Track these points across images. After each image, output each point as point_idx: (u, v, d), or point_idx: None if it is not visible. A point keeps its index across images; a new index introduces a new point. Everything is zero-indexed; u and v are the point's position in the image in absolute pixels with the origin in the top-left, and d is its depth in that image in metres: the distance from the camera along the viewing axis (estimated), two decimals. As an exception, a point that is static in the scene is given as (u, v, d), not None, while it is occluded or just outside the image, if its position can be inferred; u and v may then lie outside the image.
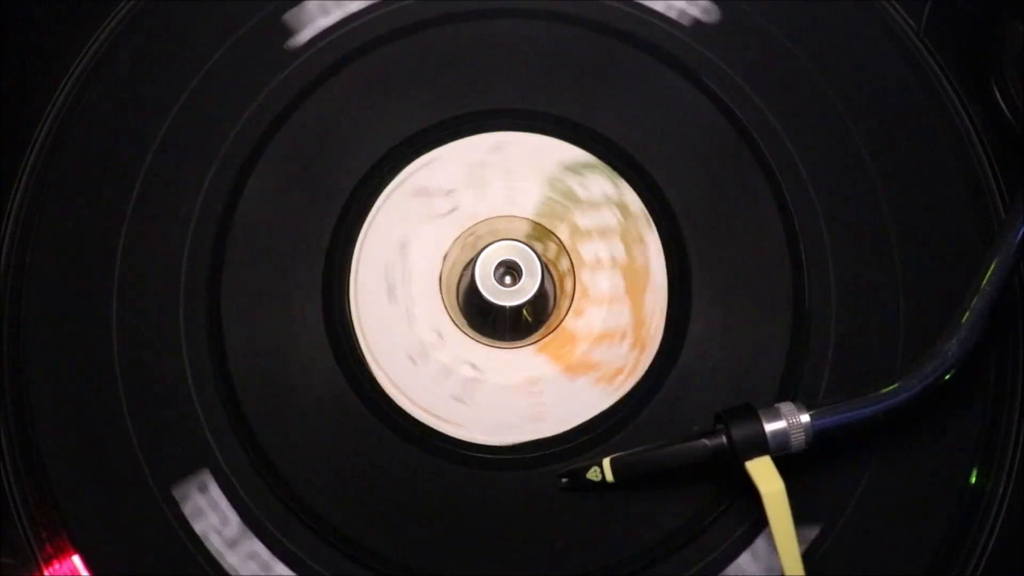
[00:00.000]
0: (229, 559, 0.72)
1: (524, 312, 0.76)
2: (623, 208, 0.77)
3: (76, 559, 0.72)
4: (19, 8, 0.80)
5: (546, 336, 0.76)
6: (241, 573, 0.72)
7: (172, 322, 0.75)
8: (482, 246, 0.75)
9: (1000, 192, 0.78)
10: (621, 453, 0.71)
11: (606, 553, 0.72)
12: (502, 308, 0.75)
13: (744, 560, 0.72)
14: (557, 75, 0.79)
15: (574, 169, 0.77)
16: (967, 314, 0.71)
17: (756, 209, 0.77)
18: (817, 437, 0.70)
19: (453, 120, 0.78)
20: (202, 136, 0.78)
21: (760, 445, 0.69)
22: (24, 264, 0.76)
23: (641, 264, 0.77)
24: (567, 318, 0.76)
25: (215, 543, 0.72)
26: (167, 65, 0.79)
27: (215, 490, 0.73)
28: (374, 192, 0.77)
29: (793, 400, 0.71)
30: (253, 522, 0.73)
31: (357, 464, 0.73)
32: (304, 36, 0.79)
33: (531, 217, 0.78)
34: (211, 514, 0.73)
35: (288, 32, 0.79)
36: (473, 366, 0.76)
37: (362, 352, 0.75)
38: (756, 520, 0.72)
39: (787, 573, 0.68)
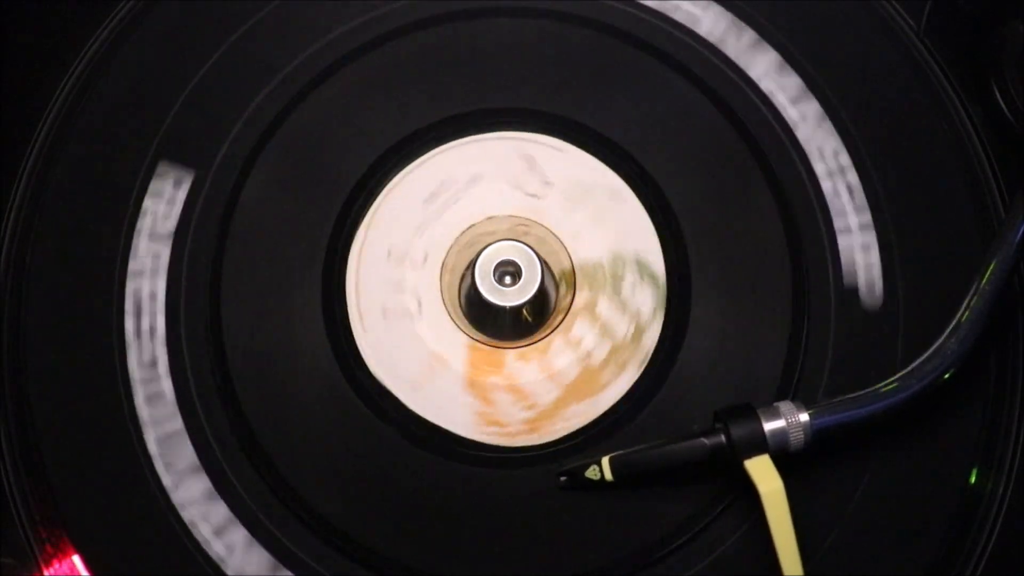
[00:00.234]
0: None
1: (524, 312, 0.76)
2: (638, 333, 0.76)
3: (76, 559, 0.72)
4: (19, 8, 0.80)
5: (533, 342, 0.76)
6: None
7: (173, 322, 0.75)
8: (482, 246, 0.75)
9: (1000, 192, 0.78)
10: (620, 452, 0.71)
11: (605, 552, 0.72)
12: (502, 308, 0.75)
13: (742, 560, 0.72)
14: (557, 75, 0.79)
15: (642, 269, 0.76)
16: (967, 314, 0.71)
17: (756, 209, 0.77)
18: (816, 436, 0.70)
19: (453, 120, 0.78)
20: (202, 136, 0.78)
21: (759, 444, 0.69)
22: (24, 264, 0.76)
23: (601, 380, 0.75)
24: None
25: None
26: (167, 65, 0.79)
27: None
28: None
29: (792, 399, 0.71)
30: (253, 521, 0.73)
31: (357, 463, 0.73)
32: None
33: (576, 264, 0.77)
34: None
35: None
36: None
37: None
38: (755, 519, 0.71)
39: (786, 573, 0.68)
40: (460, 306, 0.77)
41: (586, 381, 0.75)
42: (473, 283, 0.75)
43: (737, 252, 0.76)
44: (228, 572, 0.72)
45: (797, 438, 0.69)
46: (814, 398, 0.73)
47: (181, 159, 0.77)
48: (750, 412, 0.70)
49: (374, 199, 0.77)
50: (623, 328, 0.76)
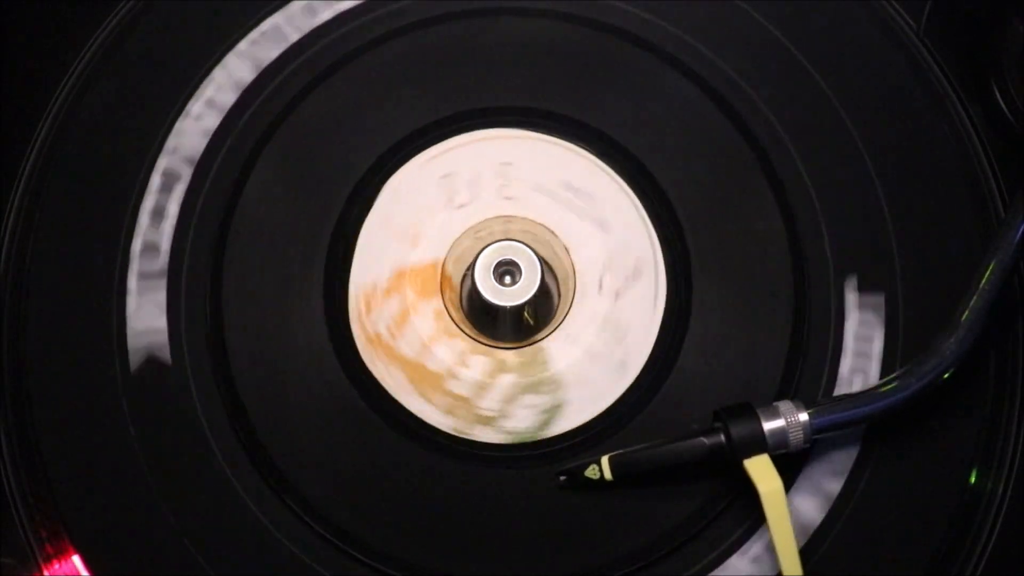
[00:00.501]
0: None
1: (525, 312, 0.76)
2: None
3: (76, 559, 0.72)
4: (19, 8, 0.80)
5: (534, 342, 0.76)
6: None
7: (173, 322, 0.75)
8: (482, 246, 0.75)
9: (1000, 192, 0.78)
10: (620, 451, 0.71)
11: (605, 551, 0.72)
12: (502, 308, 0.75)
13: (742, 559, 0.72)
14: (557, 74, 0.79)
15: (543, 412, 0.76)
16: (966, 314, 0.71)
17: (757, 208, 0.77)
18: (816, 436, 0.70)
19: (452, 119, 0.78)
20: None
21: (758, 443, 0.69)
22: (24, 264, 0.76)
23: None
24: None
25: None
26: (167, 65, 0.79)
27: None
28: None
29: (792, 399, 0.71)
30: (254, 521, 0.73)
31: (358, 463, 0.73)
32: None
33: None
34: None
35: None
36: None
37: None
38: (755, 519, 0.71)
39: (785, 572, 0.68)
40: (461, 306, 0.77)
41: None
42: (473, 283, 0.75)
43: (737, 252, 0.76)
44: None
45: (796, 438, 0.69)
46: (814, 398, 0.73)
47: (182, 159, 0.78)
48: (749, 411, 0.70)
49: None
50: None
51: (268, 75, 0.79)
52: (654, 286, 0.76)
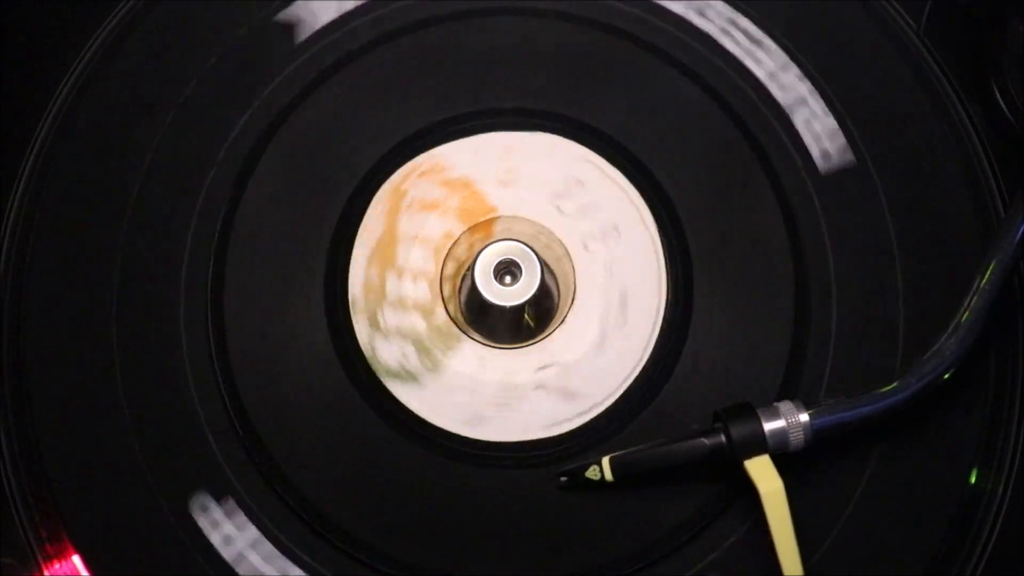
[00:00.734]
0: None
1: (525, 312, 0.76)
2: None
3: (76, 559, 0.72)
4: (19, 8, 0.80)
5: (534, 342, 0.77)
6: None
7: (173, 322, 0.75)
8: (482, 246, 0.75)
9: (1000, 192, 0.78)
10: (620, 452, 0.71)
11: (605, 552, 0.72)
12: (502, 308, 0.75)
13: (742, 559, 0.72)
14: (558, 74, 0.79)
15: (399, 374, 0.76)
16: (967, 314, 0.71)
17: (757, 208, 0.77)
18: (816, 436, 0.70)
19: (453, 120, 0.78)
20: (202, 136, 0.78)
21: (759, 444, 0.69)
22: (24, 264, 0.76)
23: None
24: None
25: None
26: (167, 65, 0.79)
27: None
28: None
29: (792, 399, 0.71)
30: (254, 521, 0.73)
31: (358, 463, 0.73)
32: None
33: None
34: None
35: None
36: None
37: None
38: (755, 519, 0.71)
39: (786, 573, 0.68)
40: (460, 306, 0.77)
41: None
42: (473, 283, 0.75)
43: (738, 252, 0.76)
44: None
45: (797, 438, 0.69)
46: (814, 398, 0.73)
47: (181, 160, 0.78)
48: (750, 412, 0.70)
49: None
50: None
51: (268, 75, 0.79)
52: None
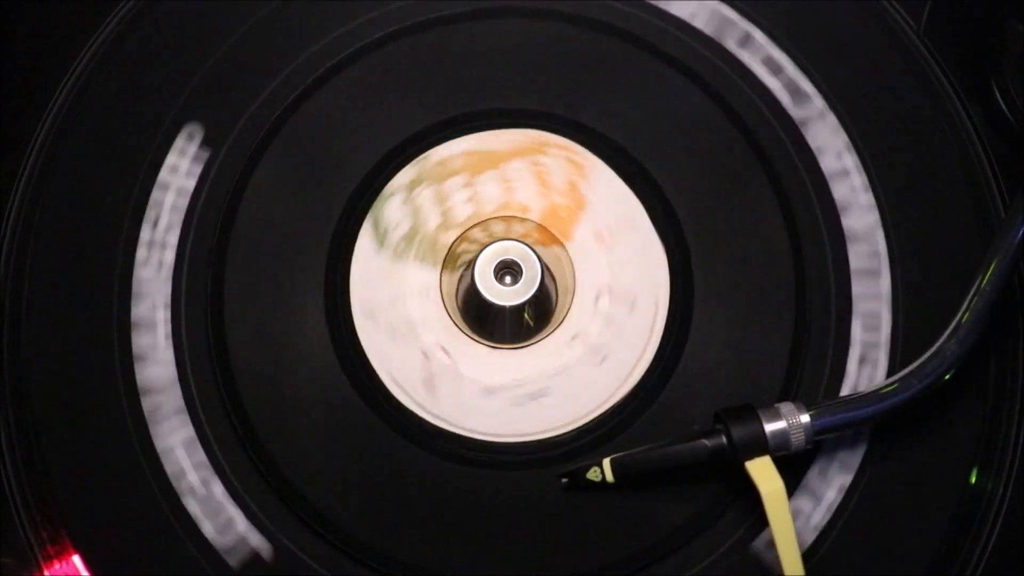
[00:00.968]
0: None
1: (525, 312, 0.76)
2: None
3: (76, 559, 0.72)
4: (20, 8, 0.80)
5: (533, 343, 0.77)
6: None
7: (173, 322, 0.75)
8: (482, 246, 0.75)
9: (1000, 192, 0.78)
10: (621, 453, 0.71)
11: (606, 553, 0.72)
12: (502, 308, 0.75)
13: (743, 560, 0.72)
14: (558, 74, 0.79)
15: (379, 230, 0.77)
16: (967, 314, 0.71)
17: (757, 210, 0.77)
18: (817, 437, 0.70)
19: (453, 120, 0.78)
20: (202, 137, 0.78)
21: (760, 445, 0.69)
22: (24, 264, 0.76)
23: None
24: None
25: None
26: (167, 65, 0.79)
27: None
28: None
29: (793, 400, 0.71)
30: (254, 522, 0.73)
31: (358, 463, 0.73)
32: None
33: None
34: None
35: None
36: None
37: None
38: (756, 520, 0.72)
39: (787, 573, 0.68)
40: (459, 306, 0.77)
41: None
42: (473, 283, 0.75)
43: (739, 253, 0.76)
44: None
45: (798, 439, 0.69)
46: (815, 399, 0.73)
47: (182, 159, 0.78)
48: (751, 413, 0.70)
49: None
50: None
51: (269, 76, 0.79)
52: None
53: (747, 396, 0.72)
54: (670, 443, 0.71)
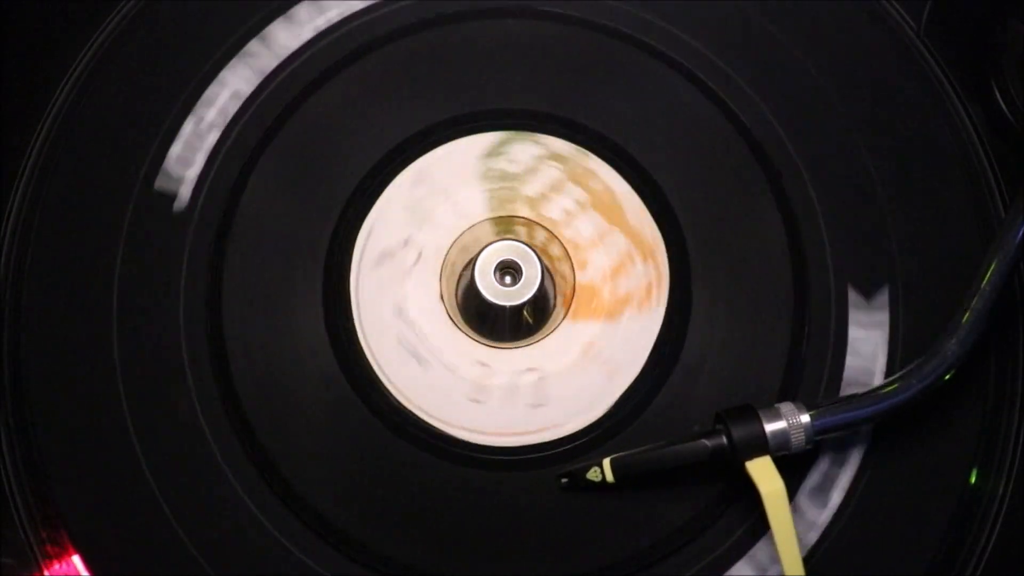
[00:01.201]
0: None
1: (524, 312, 0.76)
2: (556, 157, 0.77)
3: (76, 559, 0.72)
4: (20, 8, 0.80)
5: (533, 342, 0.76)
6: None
7: (172, 322, 0.75)
8: (482, 246, 0.75)
9: (1000, 192, 0.78)
10: (621, 453, 0.71)
11: (606, 553, 0.72)
12: (502, 308, 0.75)
13: (743, 561, 0.72)
14: (558, 75, 0.79)
15: (494, 153, 0.77)
16: (967, 314, 0.71)
17: (757, 209, 0.77)
18: (817, 437, 0.70)
19: (453, 121, 0.78)
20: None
21: (760, 445, 0.69)
22: (24, 264, 0.76)
23: (604, 191, 0.77)
24: (577, 276, 0.77)
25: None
26: (167, 65, 0.79)
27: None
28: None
29: (793, 400, 0.71)
30: (254, 522, 0.73)
31: (358, 464, 0.73)
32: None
33: (487, 216, 0.78)
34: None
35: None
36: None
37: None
38: (756, 520, 0.72)
39: (787, 573, 0.68)
40: (459, 306, 0.77)
41: (607, 207, 0.76)
42: (472, 283, 0.75)
43: (738, 253, 0.76)
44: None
45: (798, 439, 0.69)
46: (815, 399, 0.73)
47: (182, 159, 0.77)
48: (751, 413, 0.70)
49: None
50: (552, 172, 0.77)
51: (270, 76, 0.79)
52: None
53: (747, 396, 0.72)
54: (670, 443, 0.71)
